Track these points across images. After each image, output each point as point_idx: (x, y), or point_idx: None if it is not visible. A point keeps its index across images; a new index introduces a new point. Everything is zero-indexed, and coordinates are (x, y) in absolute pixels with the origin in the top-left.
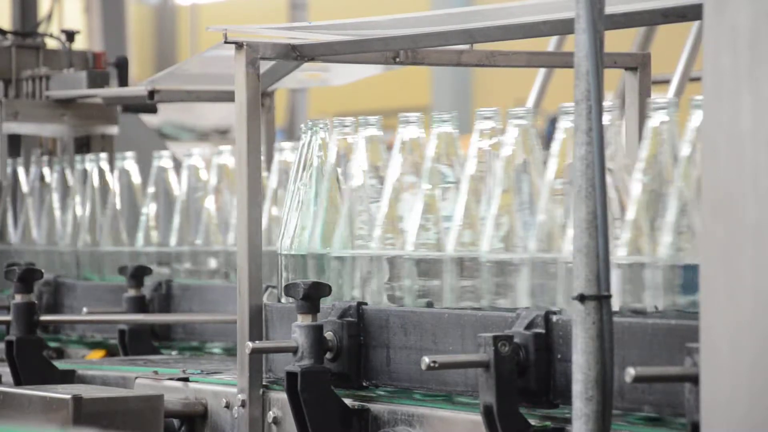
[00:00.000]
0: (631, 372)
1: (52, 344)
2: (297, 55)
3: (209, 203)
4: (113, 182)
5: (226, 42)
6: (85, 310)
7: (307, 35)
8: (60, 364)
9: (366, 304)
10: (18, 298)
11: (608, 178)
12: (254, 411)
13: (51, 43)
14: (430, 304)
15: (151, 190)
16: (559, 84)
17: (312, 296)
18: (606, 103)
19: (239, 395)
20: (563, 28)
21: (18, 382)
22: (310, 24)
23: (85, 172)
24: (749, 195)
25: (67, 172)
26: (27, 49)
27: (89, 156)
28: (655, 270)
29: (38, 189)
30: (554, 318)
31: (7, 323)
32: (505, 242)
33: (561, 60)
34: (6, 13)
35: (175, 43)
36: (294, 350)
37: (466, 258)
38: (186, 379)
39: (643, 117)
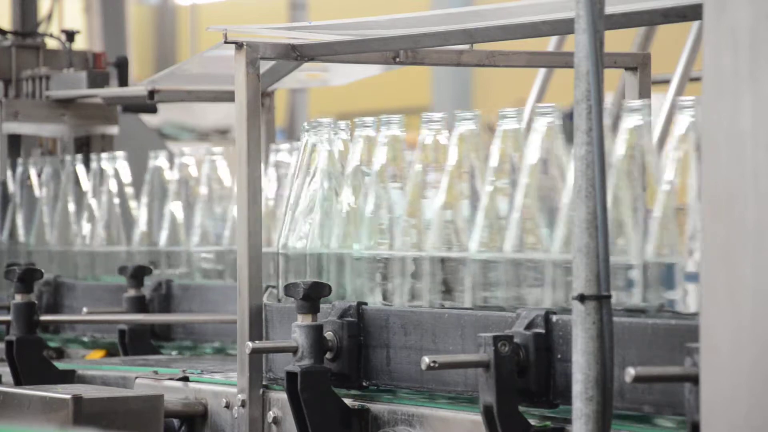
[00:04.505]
0: (631, 372)
1: (52, 344)
2: (297, 55)
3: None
4: (113, 182)
5: (226, 42)
6: (85, 310)
7: (307, 35)
8: (60, 364)
9: (366, 304)
10: (18, 298)
11: None
12: (254, 411)
13: (51, 43)
14: (430, 305)
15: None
16: (559, 84)
17: (312, 296)
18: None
19: (239, 395)
20: (563, 28)
21: (18, 382)
22: (310, 24)
23: (85, 172)
24: (749, 195)
25: (67, 171)
26: (27, 49)
27: (89, 156)
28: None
29: (38, 189)
30: (554, 318)
31: (7, 323)
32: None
33: (561, 60)
34: (6, 13)
35: (175, 43)
36: (294, 350)
37: (465, 258)
38: (186, 379)
39: None
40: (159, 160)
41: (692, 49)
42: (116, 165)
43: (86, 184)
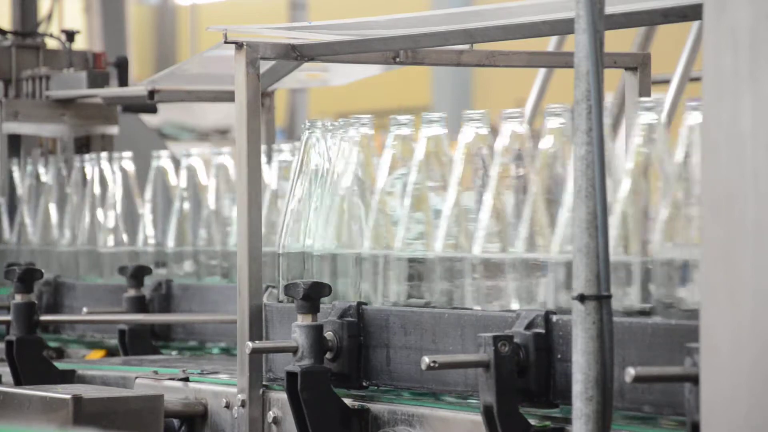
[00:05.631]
0: (631, 372)
1: (52, 344)
2: (297, 55)
3: (208, 203)
4: (113, 182)
5: (226, 42)
6: (85, 310)
7: (307, 35)
8: (60, 364)
9: (366, 304)
10: (18, 298)
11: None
12: (254, 411)
13: (51, 43)
14: (428, 304)
15: (149, 189)
16: (559, 84)
17: (312, 296)
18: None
19: (239, 395)
20: (563, 28)
21: (18, 382)
22: (310, 24)
23: (84, 172)
24: (749, 195)
25: (67, 172)
26: (27, 49)
27: (89, 156)
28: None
29: (38, 189)
30: (554, 318)
31: (7, 323)
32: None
33: (561, 60)
34: (6, 13)
35: (175, 43)
36: (294, 350)
37: (458, 258)
38: (186, 379)
39: None
40: (162, 161)
41: (692, 49)
42: (123, 164)
43: (111, 184)
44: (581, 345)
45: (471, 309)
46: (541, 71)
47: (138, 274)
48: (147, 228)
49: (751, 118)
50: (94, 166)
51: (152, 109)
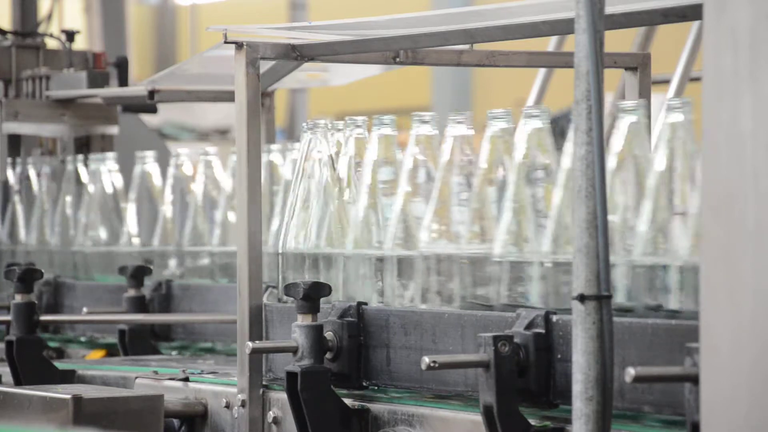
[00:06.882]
0: (631, 372)
1: (52, 344)
2: (297, 55)
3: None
4: (113, 182)
5: (226, 42)
6: (85, 310)
7: (307, 35)
8: (60, 364)
9: (366, 304)
10: (18, 298)
11: None
12: (254, 411)
13: (51, 43)
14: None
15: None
16: (559, 84)
17: (312, 296)
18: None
19: (239, 395)
20: (563, 28)
21: (18, 382)
22: (310, 24)
23: (85, 172)
24: (749, 195)
25: (67, 172)
26: (27, 49)
27: (89, 156)
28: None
29: (38, 189)
30: (554, 318)
31: (7, 323)
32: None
33: (561, 60)
34: (6, 13)
35: (175, 43)
36: (294, 350)
37: (474, 257)
38: (186, 379)
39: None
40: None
41: (692, 49)
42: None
43: (87, 185)
44: (581, 345)
45: (471, 309)
46: (541, 71)
47: (138, 274)
48: (166, 227)
49: (751, 118)
50: (94, 167)
51: (152, 109)
